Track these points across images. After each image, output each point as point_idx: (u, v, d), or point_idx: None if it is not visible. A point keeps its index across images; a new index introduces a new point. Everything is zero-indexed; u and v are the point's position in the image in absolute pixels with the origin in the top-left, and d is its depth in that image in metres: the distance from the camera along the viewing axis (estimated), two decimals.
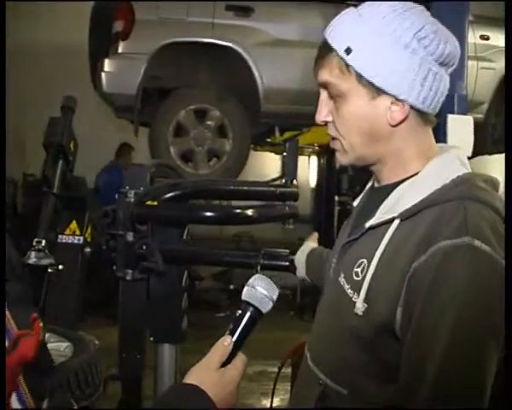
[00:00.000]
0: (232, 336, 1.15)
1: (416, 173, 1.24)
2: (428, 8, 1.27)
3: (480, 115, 5.26)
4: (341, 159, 1.31)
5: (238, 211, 2.57)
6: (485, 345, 1.08)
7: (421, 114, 1.23)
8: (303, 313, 7.41)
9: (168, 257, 2.42)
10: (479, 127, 4.24)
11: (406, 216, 1.18)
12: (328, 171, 8.55)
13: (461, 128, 3.68)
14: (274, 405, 3.39)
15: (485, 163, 5.66)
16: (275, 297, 1.19)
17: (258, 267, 2.38)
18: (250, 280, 1.20)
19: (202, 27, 4.81)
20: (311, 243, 2.13)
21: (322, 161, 8.89)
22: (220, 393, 1.07)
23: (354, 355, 1.23)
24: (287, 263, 2.27)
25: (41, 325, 0.83)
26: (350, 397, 1.23)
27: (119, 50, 4.67)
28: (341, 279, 1.29)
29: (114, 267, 2.52)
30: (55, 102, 2.93)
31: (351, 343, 1.23)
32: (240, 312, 1.17)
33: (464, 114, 3.79)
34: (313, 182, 9.40)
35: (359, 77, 1.19)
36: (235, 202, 3.09)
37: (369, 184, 1.44)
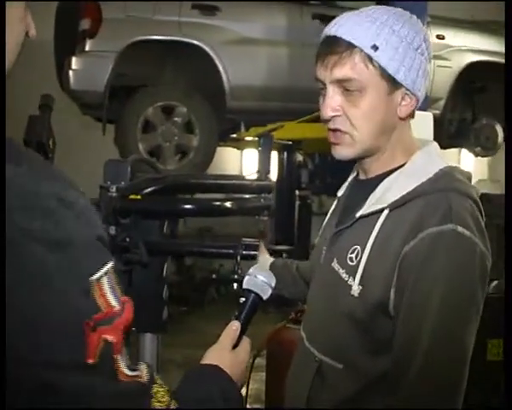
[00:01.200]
0: (238, 321, 1.26)
1: (401, 166, 1.37)
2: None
3: (436, 111, 5.46)
4: (346, 152, 1.38)
5: (217, 204, 2.66)
6: (469, 316, 1.24)
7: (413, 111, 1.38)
8: (267, 307, 7.51)
9: (151, 249, 2.50)
10: (436, 123, 4.45)
11: (395, 206, 1.31)
12: (289, 165, 8.67)
13: (421, 123, 3.84)
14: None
15: None
16: (273, 284, 1.31)
17: (238, 258, 2.49)
18: (250, 270, 1.32)
19: (169, 26, 4.90)
20: (267, 256, 2.09)
21: (282, 155, 9.00)
22: (236, 372, 1.16)
23: (349, 333, 1.35)
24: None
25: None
26: (344, 370, 1.37)
27: (87, 48, 4.72)
28: (335, 265, 1.41)
29: None
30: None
31: (346, 322, 1.36)
32: (243, 299, 1.29)
33: (424, 110, 3.96)
34: (274, 176, 9.50)
35: (382, 72, 1.30)
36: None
37: (353, 176, 1.56)
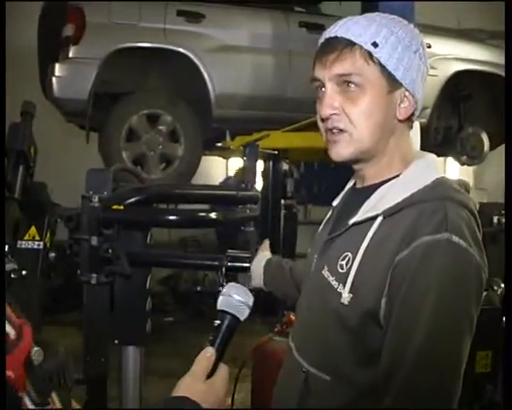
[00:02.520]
0: (213, 347, 1.17)
1: (397, 175, 1.34)
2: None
3: (423, 120, 5.46)
4: (343, 152, 1.34)
5: (202, 214, 2.62)
6: (462, 329, 1.20)
7: (411, 117, 1.36)
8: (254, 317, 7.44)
9: (134, 260, 2.45)
10: (422, 131, 4.43)
11: (389, 213, 1.28)
12: (274, 175, 8.65)
13: None
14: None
15: None
16: (251, 303, 1.21)
17: (223, 269, 2.44)
18: (224, 289, 1.22)
19: (154, 33, 4.86)
20: (266, 253, 2.13)
21: (267, 165, 8.97)
22: (211, 401, 1.09)
23: (338, 342, 1.31)
24: (250, 264, 2.33)
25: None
26: (332, 382, 1.32)
27: (70, 55, 4.66)
28: (325, 272, 1.38)
29: (78, 271, 2.54)
30: None
31: (335, 331, 1.32)
32: (218, 322, 1.19)
33: None
34: (259, 186, 9.48)
35: (382, 69, 1.29)
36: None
37: (349, 185, 1.53)
